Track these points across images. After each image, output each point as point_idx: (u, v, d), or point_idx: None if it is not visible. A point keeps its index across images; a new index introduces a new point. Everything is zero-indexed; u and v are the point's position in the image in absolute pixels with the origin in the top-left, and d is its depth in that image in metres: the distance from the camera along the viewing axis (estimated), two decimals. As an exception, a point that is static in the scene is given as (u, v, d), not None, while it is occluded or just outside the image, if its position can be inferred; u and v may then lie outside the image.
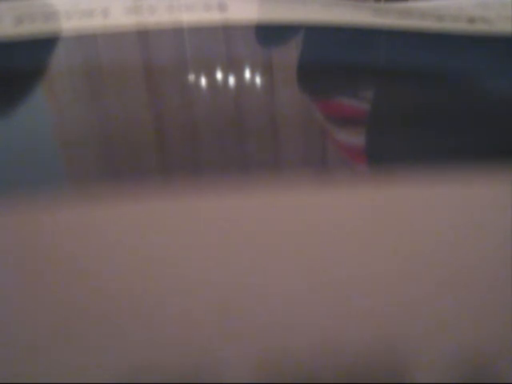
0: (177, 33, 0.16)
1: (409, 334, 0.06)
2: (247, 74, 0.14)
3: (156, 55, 0.15)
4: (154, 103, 0.13)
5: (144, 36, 0.16)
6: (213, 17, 0.16)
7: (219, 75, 0.14)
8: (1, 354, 0.06)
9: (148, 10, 0.17)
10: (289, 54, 0.16)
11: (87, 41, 0.15)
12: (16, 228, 0.08)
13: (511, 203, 0.08)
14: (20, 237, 0.08)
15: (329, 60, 0.15)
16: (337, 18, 0.16)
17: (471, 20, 0.16)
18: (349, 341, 0.06)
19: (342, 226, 0.08)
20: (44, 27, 0.16)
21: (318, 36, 0.16)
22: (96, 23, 0.16)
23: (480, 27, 0.16)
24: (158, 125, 0.12)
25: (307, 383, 0.06)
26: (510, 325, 0.06)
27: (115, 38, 0.16)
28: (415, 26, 0.16)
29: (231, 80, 0.14)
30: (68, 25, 0.16)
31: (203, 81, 0.14)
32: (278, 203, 0.08)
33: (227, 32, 0.16)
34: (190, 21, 0.16)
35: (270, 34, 0.16)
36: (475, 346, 0.06)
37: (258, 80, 0.14)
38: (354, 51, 0.15)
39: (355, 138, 0.11)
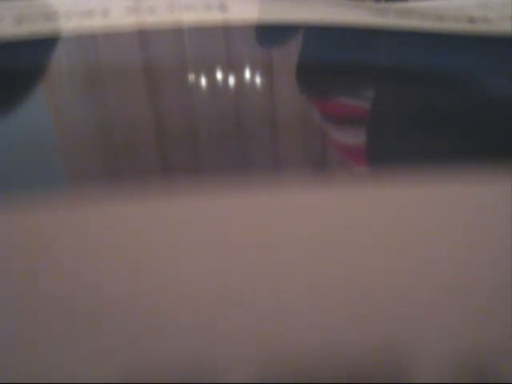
0: (177, 33, 0.16)
1: (409, 335, 0.06)
2: (247, 74, 0.14)
3: (156, 55, 0.15)
4: (154, 103, 0.13)
5: (144, 36, 0.16)
6: (213, 17, 0.16)
7: (219, 75, 0.14)
8: (1, 354, 0.06)
9: (148, 10, 0.17)
10: (289, 54, 0.16)
11: (87, 41, 0.15)
12: (15, 228, 0.08)
13: (511, 203, 0.08)
14: (19, 237, 0.08)
15: (329, 60, 0.15)
16: (337, 17, 0.16)
17: (471, 20, 0.16)
18: (349, 341, 0.06)
19: (341, 227, 0.08)
20: (44, 27, 0.16)
21: (317, 36, 0.16)
22: (96, 23, 0.16)
23: (480, 27, 0.16)
24: (158, 125, 0.12)
25: (308, 383, 0.06)
26: (510, 325, 0.06)
27: (115, 38, 0.16)
28: (415, 25, 0.16)
29: (231, 80, 0.14)
30: (68, 25, 0.16)
31: (203, 81, 0.14)
32: (277, 204, 0.08)
33: (227, 32, 0.16)
34: (190, 21, 0.16)
35: (270, 33, 0.16)
36: (476, 347, 0.06)
37: (257, 80, 0.14)
38: (354, 51, 0.15)
39: (355, 139, 0.11)
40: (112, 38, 0.16)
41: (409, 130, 0.11)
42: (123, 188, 0.09)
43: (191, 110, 0.12)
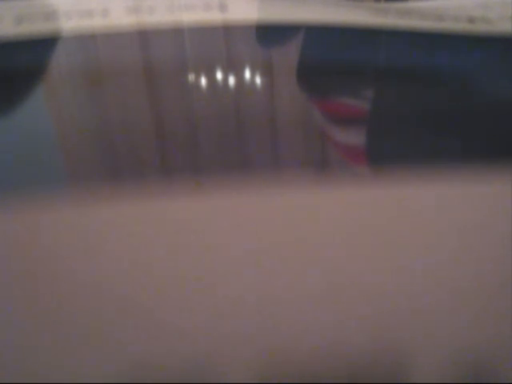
0: (177, 33, 0.16)
1: (409, 335, 0.06)
2: (247, 74, 0.14)
3: (156, 55, 0.15)
4: (154, 103, 0.13)
5: (144, 36, 0.16)
6: (213, 17, 0.16)
7: (219, 75, 0.14)
8: (1, 354, 0.06)
9: (148, 10, 0.17)
10: (289, 54, 0.16)
11: (87, 41, 0.15)
12: (16, 228, 0.08)
13: (511, 203, 0.08)
14: (20, 237, 0.08)
15: (329, 60, 0.15)
16: (337, 17, 0.16)
17: (471, 20, 0.16)
18: (349, 341, 0.06)
19: (341, 227, 0.08)
20: (44, 27, 0.16)
21: (317, 36, 0.16)
22: (96, 23, 0.16)
23: (480, 27, 0.16)
24: (158, 125, 0.12)
25: (307, 383, 0.06)
26: (510, 325, 0.06)
27: (115, 38, 0.16)
28: (415, 25, 0.16)
29: (231, 80, 0.14)
30: (68, 25, 0.16)
31: (203, 81, 0.14)
32: (278, 204, 0.08)
33: (227, 32, 0.16)
34: (190, 21, 0.16)
35: (270, 34, 0.16)
36: (475, 347, 0.06)
37: (257, 80, 0.14)
38: (354, 51, 0.15)
39: (355, 139, 0.11)
40: (112, 38, 0.16)
41: (409, 130, 0.11)
42: (123, 188, 0.09)
43: (191, 109, 0.12)
